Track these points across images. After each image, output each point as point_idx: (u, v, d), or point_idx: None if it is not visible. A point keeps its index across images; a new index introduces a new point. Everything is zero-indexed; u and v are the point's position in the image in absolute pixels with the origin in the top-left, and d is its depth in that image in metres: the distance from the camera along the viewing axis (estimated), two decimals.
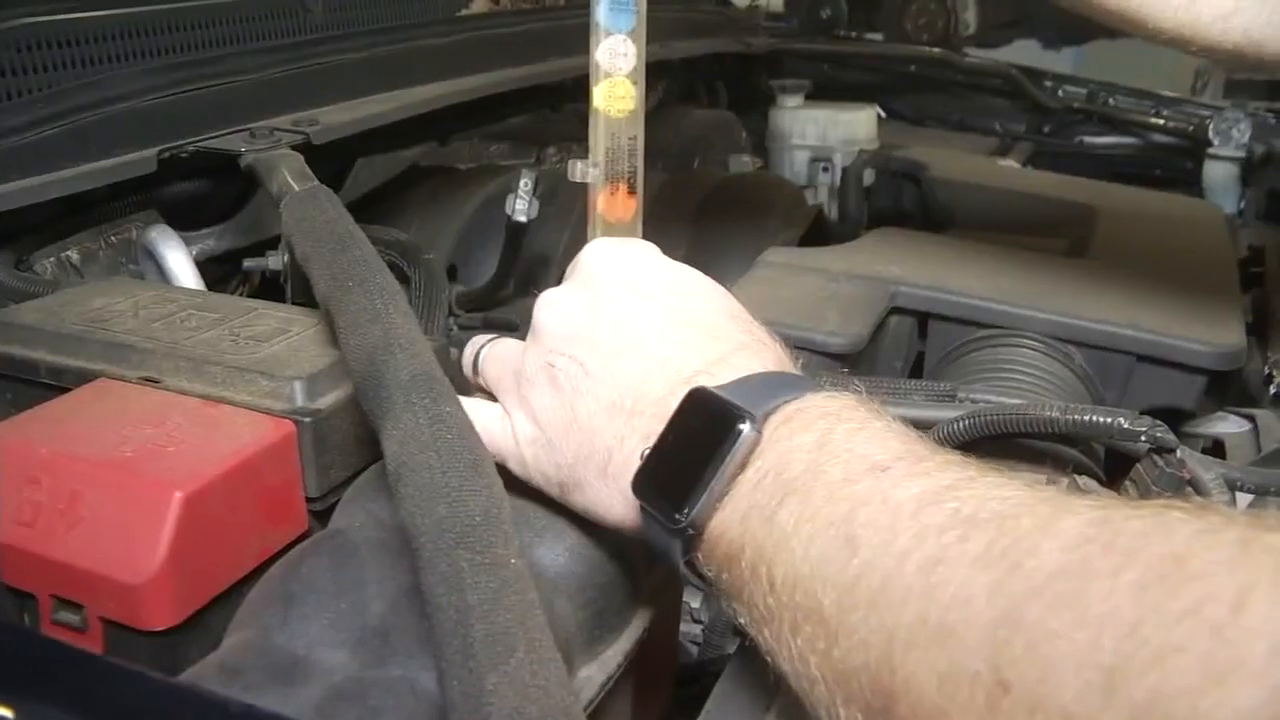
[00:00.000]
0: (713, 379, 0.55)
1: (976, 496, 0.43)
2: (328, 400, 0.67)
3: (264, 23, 1.15)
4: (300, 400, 0.66)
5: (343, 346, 0.60)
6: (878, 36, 3.30)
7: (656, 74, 1.76)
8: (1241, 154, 1.85)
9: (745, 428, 0.51)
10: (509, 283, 1.21)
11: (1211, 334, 1.04)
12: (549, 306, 0.63)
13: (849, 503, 0.46)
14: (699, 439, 0.52)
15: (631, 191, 0.72)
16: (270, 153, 0.93)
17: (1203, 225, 1.43)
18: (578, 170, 0.71)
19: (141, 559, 0.57)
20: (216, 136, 1.00)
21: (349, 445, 0.67)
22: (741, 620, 0.51)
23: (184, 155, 0.98)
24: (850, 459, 0.48)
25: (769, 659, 0.49)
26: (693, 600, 0.95)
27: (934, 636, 0.39)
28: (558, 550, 0.60)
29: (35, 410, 0.66)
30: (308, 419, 0.65)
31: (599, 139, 0.71)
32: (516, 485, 0.62)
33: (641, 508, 0.55)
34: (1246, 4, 0.79)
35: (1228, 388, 1.12)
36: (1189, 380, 1.03)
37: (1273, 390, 1.06)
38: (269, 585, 0.58)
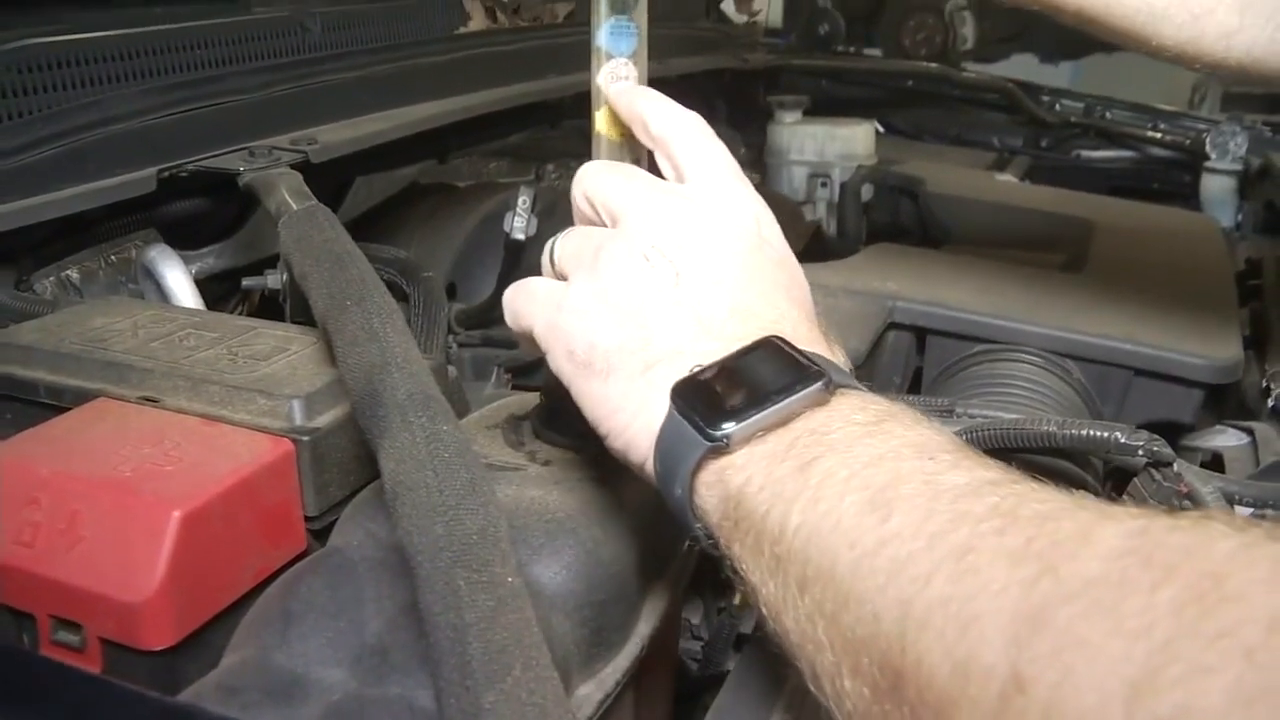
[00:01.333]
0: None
1: (1018, 494, 0.42)
2: (326, 419, 0.67)
3: (263, 42, 1.15)
4: (298, 419, 0.66)
5: (340, 365, 0.60)
6: (876, 52, 3.31)
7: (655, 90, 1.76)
8: (1238, 167, 1.86)
9: (818, 384, 0.51)
10: None
11: (1208, 348, 1.04)
12: (676, 211, 0.60)
13: (890, 475, 0.46)
14: (766, 374, 0.52)
15: None
16: (268, 171, 0.93)
17: (1200, 239, 1.44)
18: None
19: (140, 578, 0.57)
20: (216, 156, 1.00)
21: (347, 463, 0.68)
22: (741, 568, 0.50)
23: (183, 175, 0.99)
24: (901, 443, 0.48)
25: (770, 621, 0.49)
26: (693, 616, 0.95)
27: (953, 621, 0.39)
28: (555, 568, 0.60)
29: (35, 430, 0.66)
30: (306, 438, 0.65)
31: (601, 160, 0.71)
32: (513, 503, 0.62)
33: (672, 409, 0.53)
34: (1249, 22, 0.78)
35: (1226, 400, 1.13)
36: (1186, 394, 1.03)
37: (1270, 403, 1.06)
38: (267, 604, 0.58)
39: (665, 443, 0.54)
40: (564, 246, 0.64)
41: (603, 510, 0.64)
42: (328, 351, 0.68)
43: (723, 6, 2.31)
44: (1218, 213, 1.82)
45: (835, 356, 0.57)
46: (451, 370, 0.80)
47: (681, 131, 0.65)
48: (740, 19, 2.34)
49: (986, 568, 0.39)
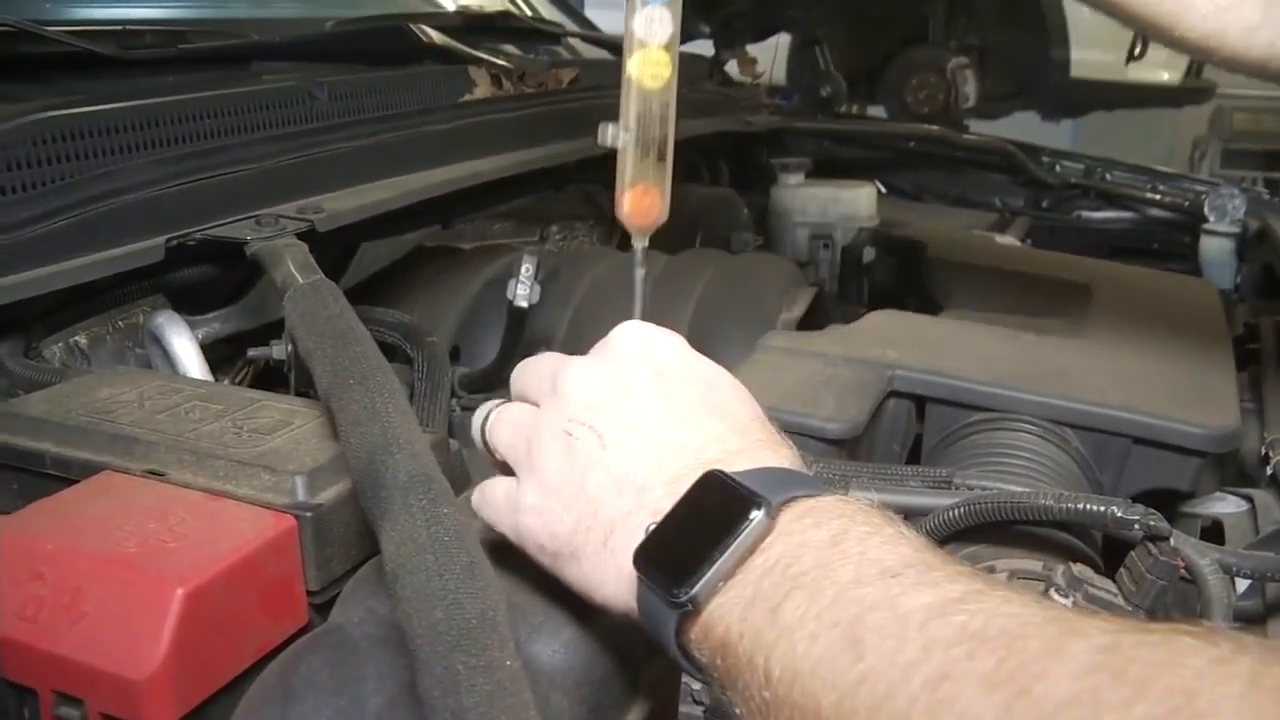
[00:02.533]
0: (730, 468, 0.55)
1: (985, 611, 0.43)
2: (329, 494, 0.67)
3: (271, 112, 1.17)
4: (301, 495, 0.67)
5: (343, 444, 0.61)
6: (879, 110, 3.35)
7: None
8: (1236, 229, 1.87)
9: (759, 513, 0.51)
10: (511, 365, 1.21)
11: (1206, 415, 1.04)
12: (575, 376, 0.62)
13: (857, 605, 0.46)
14: (710, 518, 0.53)
15: (661, 157, 0.73)
16: (275, 242, 0.94)
17: (1198, 303, 1.45)
18: (609, 134, 0.72)
19: (143, 655, 0.57)
20: (223, 224, 1.02)
21: (349, 539, 0.68)
22: (738, 711, 0.51)
23: (191, 243, 1.00)
24: (862, 561, 0.48)
25: None
26: (694, 682, 0.95)
27: None
28: (554, 646, 0.60)
29: (40, 503, 0.67)
30: (308, 514, 0.65)
31: (630, 105, 0.71)
32: (513, 581, 0.63)
33: (639, 580, 0.54)
34: (1272, 20, 0.80)
35: (1225, 465, 1.13)
36: (1184, 462, 1.04)
37: (1269, 470, 1.06)
38: (268, 681, 0.58)
39: (644, 615, 0.55)
40: (498, 436, 0.66)
41: None
42: (331, 426, 0.69)
43: (726, 68, 2.34)
44: (1216, 275, 1.84)
45: (777, 449, 0.58)
46: (453, 443, 0.81)
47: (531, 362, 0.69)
48: (744, 80, 2.37)
49: (961, 696, 0.39)
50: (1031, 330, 1.28)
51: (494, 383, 1.23)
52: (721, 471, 0.54)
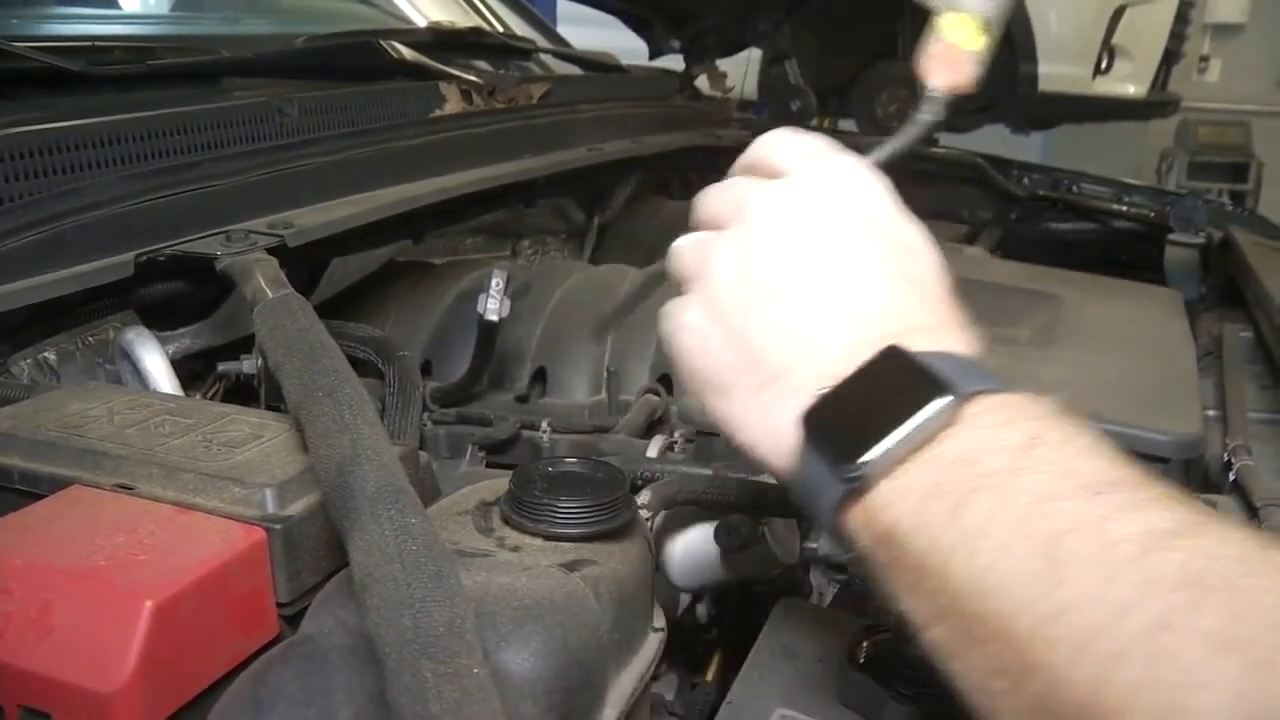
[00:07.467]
0: (912, 346, 0.51)
1: (1204, 550, 0.39)
2: (298, 506, 0.68)
3: (241, 127, 1.17)
4: (271, 507, 0.67)
5: (312, 456, 0.61)
6: (850, 123, 3.38)
7: (629, 168, 1.79)
8: (1201, 240, 1.90)
9: (946, 400, 0.48)
10: (482, 378, 1.22)
11: (1171, 423, 1.06)
12: (769, 204, 0.58)
13: (1056, 522, 0.42)
14: (893, 395, 0.49)
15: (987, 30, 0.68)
16: (244, 257, 0.94)
17: (1163, 312, 1.46)
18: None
19: (111, 668, 0.57)
20: (193, 240, 1.02)
21: (319, 550, 0.68)
22: (899, 606, 0.48)
23: (161, 259, 1.00)
24: (1060, 472, 0.45)
25: (936, 657, 0.46)
26: (667, 693, 0.95)
27: (1163, 714, 0.37)
28: (523, 654, 0.60)
29: (8, 518, 0.67)
30: (278, 526, 0.65)
31: None
32: (482, 590, 0.63)
33: (805, 444, 0.51)
34: None
35: (1190, 472, 1.14)
36: (1149, 469, 1.05)
37: (1232, 477, 1.08)
38: (238, 693, 0.58)
39: (802, 481, 0.52)
40: (679, 254, 0.62)
41: (570, 596, 0.65)
42: (301, 439, 0.69)
43: (696, 83, 2.36)
44: (1182, 285, 1.86)
45: (961, 334, 0.54)
46: (423, 455, 0.81)
47: (763, 148, 0.63)
48: (714, 94, 2.39)
49: (1185, 652, 0.37)
50: (999, 340, 1.29)
51: (465, 397, 1.23)
52: (906, 350, 0.51)
